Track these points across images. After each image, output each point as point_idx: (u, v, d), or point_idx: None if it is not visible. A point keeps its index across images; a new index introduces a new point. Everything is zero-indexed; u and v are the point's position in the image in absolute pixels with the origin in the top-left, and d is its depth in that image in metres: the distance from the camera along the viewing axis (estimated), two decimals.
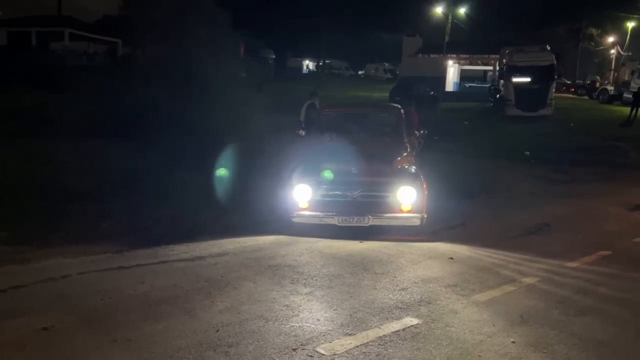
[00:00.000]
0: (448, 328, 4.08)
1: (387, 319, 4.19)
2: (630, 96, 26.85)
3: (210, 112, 11.93)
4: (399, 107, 8.28)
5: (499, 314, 4.40)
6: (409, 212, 6.68)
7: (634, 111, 23.77)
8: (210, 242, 6.35)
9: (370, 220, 6.63)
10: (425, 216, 6.70)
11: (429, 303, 4.55)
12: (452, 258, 5.91)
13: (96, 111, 12.39)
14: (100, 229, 6.53)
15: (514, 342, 3.88)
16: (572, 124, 22.07)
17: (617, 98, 30.37)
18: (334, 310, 4.36)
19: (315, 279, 5.12)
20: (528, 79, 23.20)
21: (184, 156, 9.54)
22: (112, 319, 4.07)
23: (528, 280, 5.28)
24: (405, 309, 4.41)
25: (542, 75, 23.06)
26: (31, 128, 11.06)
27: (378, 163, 7.02)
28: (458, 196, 8.92)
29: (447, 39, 32.49)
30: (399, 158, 7.29)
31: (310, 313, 4.29)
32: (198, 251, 5.99)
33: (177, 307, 4.34)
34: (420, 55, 35.49)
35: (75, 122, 11.67)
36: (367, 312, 4.31)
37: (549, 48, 24.66)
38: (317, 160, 7.08)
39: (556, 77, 24.88)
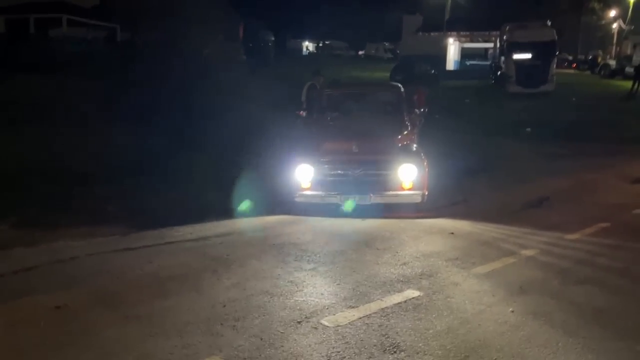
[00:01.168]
0: (449, 299, 4.18)
1: (389, 291, 4.30)
2: (632, 70, 26.72)
3: (209, 95, 12.01)
4: (400, 85, 8.30)
5: (499, 285, 4.50)
6: (410, 189, 6.75)
7: (636, 85, 23.65)
8: (216, 223, 6.45)
9: (372, 198, 6.71)
10: (427, 193, 6.77)
11: (430, 276, 4.66)
12: (453, 233, 6.00)
13: (97, 96, 12.48)
14: (107, 211, 6.64)
15: (513, 311, 3.98)
16: (573, 99, 22.00)
17: (618, 73, 30.17)
18: (337, 284, 4.47)
19: (318, 255, 5.22)
20: (529, 55, 23.08)
21: (187, 138, 9.65)
22: (122, 297, 4.19)
23: (528, 252, 5.38)
24: (406, 282, 4.52)
25: (543, 51, 22.93)
26: (34, 114, 11.13)
27: (379, 141, 7.08)
28: (459, 173, 8.97)
29: (447, 16, 32.23)
30: (399, 136, 7.35)
31: (314, 288, 4.40)
32: (203, 232, 6.09)
33: (185, 284, 4.46)
34: (421, 33, 35.26)
35: (76, 107, 11.77)
36: (369, 286, 4.41)
37: (550, 24, 24.47)
38: (319, 140, 7.15)
39: (557, 53, 24.71)
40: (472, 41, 35.81)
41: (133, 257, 5.17)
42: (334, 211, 6.75)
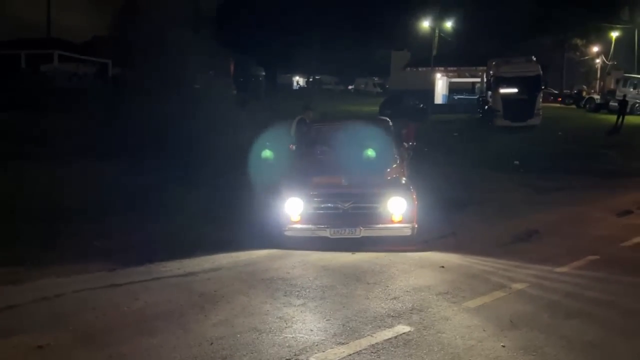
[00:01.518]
0: (439, 334, 4.14)
1: (380, 327, 4.25)
2: (617, 104, 27.29)
3: (199, 130, 12.04)
4: (388, 119, 8.40)
5: (490, 319, 4.47)
6: (400, 222, 6.76)
7: (620, 119, 24.14)
8: (203, 258, 6.39)
9: (362, 232, 6.71)
10: (416, 226, 6.78)
11: (420, 311, 4.62)
12: (443, 267, 5.99)
13: (86, 131, 12.47)
14: (94, 247, 6.57)
15: (504, 346, 3.94)
16: (560, 133, 22.33)
17: (603, 106, 30.75)
18: (326, 320, 4.42)
19: (308, 290, 5.18)
20: (515, 90, 23.49)
21: (175, 173, 9.63)
22: (107, 336, 4.10)
23: (518, 286, 5.37)
24: (397, 317, 4.47)
25: (529, 86, 23.36)
26: (21, 150, 11.11)
27: (368, 175, 7.12)
28: (448, 206, 9.01)
29: (434, 52, 32.87)
30: (388, 169, 7.39)
31: (304, 324, 4.34)
32: (191, 267, 6.03)
33: (171, 322, 4.38)
34: (409, 69, 35.88)
35: (65, 143, 11.75)
36: (359, 322, 4.36)
37: (534, 59, 25.00)
38: (308, 174, 7.17)
39: (543, 87, 25.19)
40: (459, 76, 36.48)
41: (119, 294, 5.08)
42: (323, 245, 6.72)
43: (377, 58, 43.13)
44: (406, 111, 25.08)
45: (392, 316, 4.48)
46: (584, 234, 7.94)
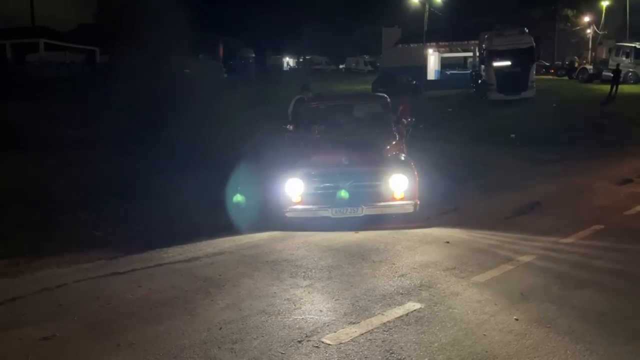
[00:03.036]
0: (451, 310, 4.08)
1: (390, 305, 4.19)
2: (610, 74, 27.20)
3: (192, 115, 11.88)
4: (386, 96, 8.27)
5: (500, 293, 4.41)
6: (401, 199, 6.68)
7: (614, 88, 24.07)
8: (205, 243, 6.30)
9: (364, 210, 6.63)
10: (419, 202, 6.71)
11: (429, 287, 4.56)
12: (448, 242, 5.93)
13: (77, 120, 12.29)
14: (93, 237, 6.46)
15: (517, 320, 3.89)
16: (554, 105, 22.23)
17: (596, 76, 30.63)
18: (335, 300, 4.35)
19: (314, 271, 5.10)
20: (508, 63, 23.32)
21: (170, 159, 9.50)
22: (113, 324, 4.02)
23: (525, 258, 5.31)
24: (406, 294, 4.41)
25: (522, 58, 23.19)
26: (13, 141, 10.91)
27: (368, 152, 7.02)
28: (448, 182, 8.94)
29: (425, 27, 32.54)
30: (388, 147, 7.30)
31: (312, 305, 4.27)
32: (193, 252, 5.94)
33: (177, 307, 4.30)
34: (400, 45, 35.53)
35: (56, 132, 11.57)
36: (369, 300, 4.30)
37: (527, 31, 24.80)
38: (308, 153, 7.06)
39: (536, 59, 25.03)
40: (451, 51, 36.19)
41: (122, 282, 5.00)
42: (326, 225, 6.64)
43: (369, 35, 42.68)
44: (399, 88, 24.87)
45: (402, 293, 4.42)
46: (587, 204, 7.90)
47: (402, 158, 7.11)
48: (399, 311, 4.05)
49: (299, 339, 3.67)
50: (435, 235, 6.25)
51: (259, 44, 41.20)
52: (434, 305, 4.16)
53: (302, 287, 4.68)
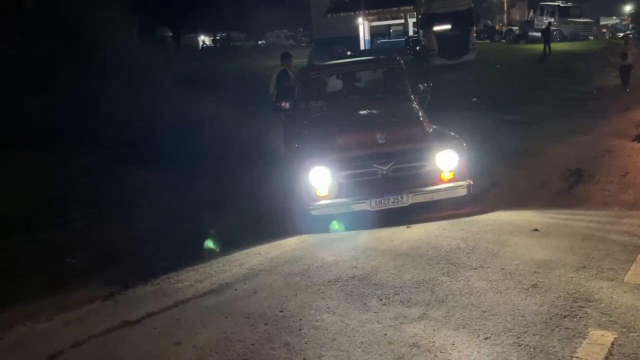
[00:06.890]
0: None
1: (569, 339, 2.93)
2: (538, 34, 27.50)
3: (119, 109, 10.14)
4: (400, 59, 6.96)
5: None
6: (451, 180, 5.49)
7: (547, 47, 24.31)
8: (222, 260, 4.81)
9: (410, 198, 5.36)
10: (472, 183, 5.54)
11: (588, 301, 3.37)
12: (537, 229, 4.78)
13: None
14: (68, 266, 4.75)
15: None
16: (498, 66, 21.92)
17: (522, 37, 31.10)
18: (487, 339, 3.04)
19: (406, 291, 3.77)
20: (448, 26, 22.68)
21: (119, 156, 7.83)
22: None
23: None
24: (571, 316, 3.19)
25: (462, 21, 22.60)
26: None
27: (405, 127, 5.74)
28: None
29: None
30: (421, 118, 6.02)
31: (460, 352, 2.94)
32: (216, 276, 4.44)
33: None
34: (329, 15, 34.13)
35: None
36: (534, 334, 3.00)
37: None
38: (330, 134, 5.65)
39: (476, 20, 24.62)
40: (379, 19, 35.22)
41: (146, 339, 3.44)
42: (363, 221, 5.32)
43: (294, 8, 40.76)
44: (334, 60, 23.68)
45: (564, 316, 3.20)
46: (630, 164, 7.07)
47: (445, 131, 5.88)
48: (594, 349, 2.83)
49: None
50: (511, 222, 5.10)
51: (173, 23, 38.25)
52: (627, 332, 2.98)
53: (415, 319, 3.34)
